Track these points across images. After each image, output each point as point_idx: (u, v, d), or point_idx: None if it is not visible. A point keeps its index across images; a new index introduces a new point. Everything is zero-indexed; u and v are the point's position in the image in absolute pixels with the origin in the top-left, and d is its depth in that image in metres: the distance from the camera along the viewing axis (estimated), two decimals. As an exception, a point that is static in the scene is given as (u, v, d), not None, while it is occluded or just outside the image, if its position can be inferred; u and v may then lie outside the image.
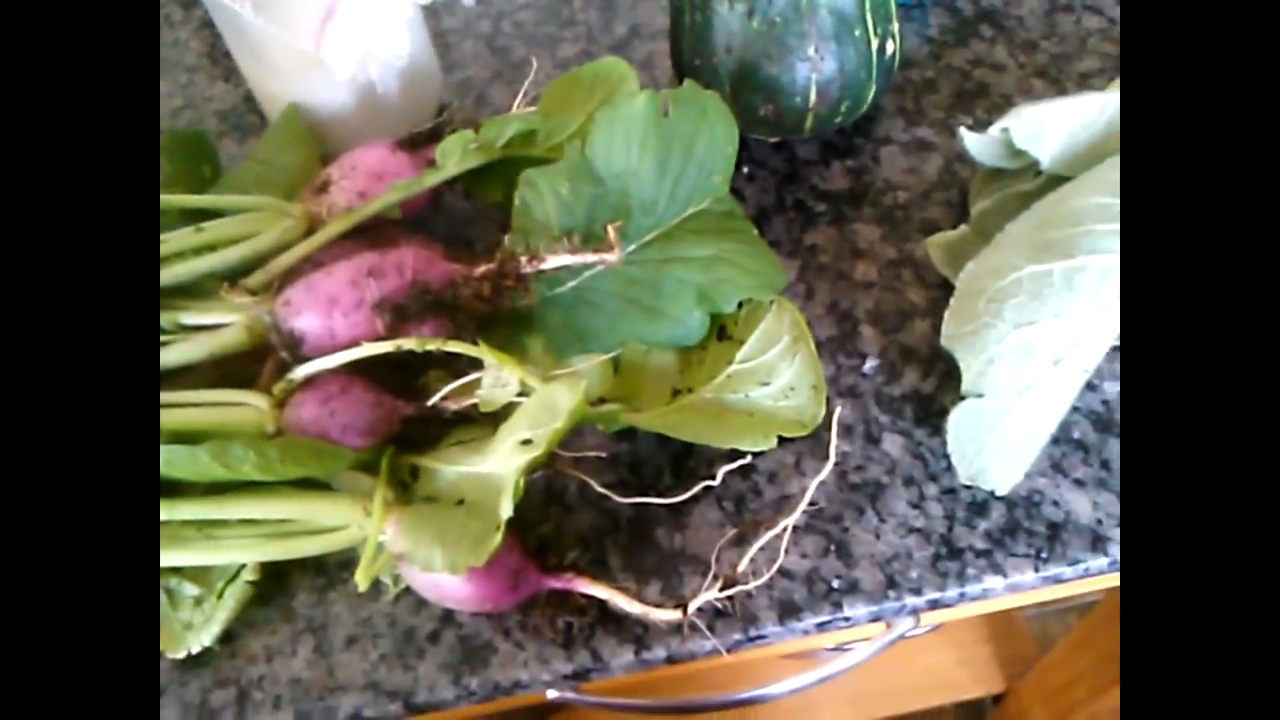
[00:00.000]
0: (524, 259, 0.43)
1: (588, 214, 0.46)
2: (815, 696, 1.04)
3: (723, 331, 0.48)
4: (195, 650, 0.42)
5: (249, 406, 0.42)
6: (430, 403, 0.43)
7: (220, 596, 0.42)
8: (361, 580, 0.38)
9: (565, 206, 0.46)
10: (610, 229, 0.44)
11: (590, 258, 0.44)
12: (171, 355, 0.43)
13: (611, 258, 0.44)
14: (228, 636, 0.43)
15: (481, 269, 0.43)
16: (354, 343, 0.42)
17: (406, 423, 0.44)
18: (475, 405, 0.43)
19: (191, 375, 0.44)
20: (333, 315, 0.42)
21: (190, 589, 0.42)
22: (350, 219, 0.46)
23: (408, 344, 0.41)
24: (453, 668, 0.41)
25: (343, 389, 0.42)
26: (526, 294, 0.45)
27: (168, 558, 0.41)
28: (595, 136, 0.46)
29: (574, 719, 1.03)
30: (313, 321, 0.42)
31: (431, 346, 0.41)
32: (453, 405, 0.43)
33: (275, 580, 0.44)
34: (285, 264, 0.45)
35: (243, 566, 0.43)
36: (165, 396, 0.42)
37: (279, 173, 0.50)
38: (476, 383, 0.43)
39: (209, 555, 0.41)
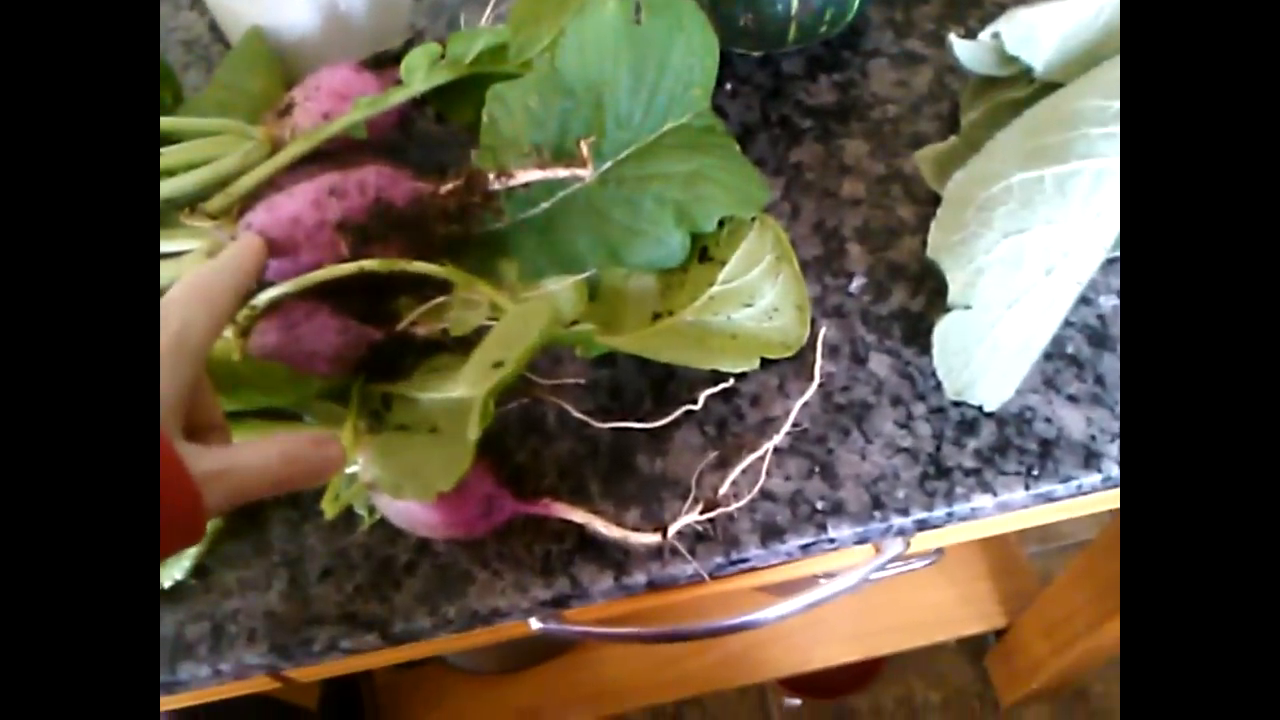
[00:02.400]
0: (492, 175, 0.42)
1: (559, 129, 0.44)
2: (814, 634, 1.04)
3: (704, 253, 0.46)
4: (167, 585, 0.41)
5: (212, 335, 0.41)
6: (399, 327, 0.41)
7: (190, 530, 0.41)
8: (328, 509, 0.37)
9: (535, 121, 0.44)
10: (583, 144, 0.42)
11: (562, 173, 0.42)
12: (131, 285, 0.42)
13: (584, 173, 0.42)
14: (201, 571, 0.42)
15: (448, 186, 0.42)
16: (317, 266, 0.40)
17: (377, 350, 0.43)
18: (446, 330, 0.42)
19: (153, 305, 0.43)
20: (295, 237, 0.41)
21: (159, 523, 0.41)
22: (313, 138, 0.44)
23: (370, 265, 0.40)
24: (429, 597, 0.41)
25: (308, 315, 0.41)
26: (497, 214, 0.43)
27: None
28: (565, 47, 0.44)
29: (573, 662, 1.04)
30: (275, 244, 0.41)
31: (395, 268, 0.40)
32: (423, 330, 0.42)
33: (248, 514, 0.43)
34: (246, 186, 0.43)
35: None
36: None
37: (241, 97, 0.49)
38: (447, 306, 0.42)
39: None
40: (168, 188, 0.43)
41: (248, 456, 0.33)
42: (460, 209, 0.42)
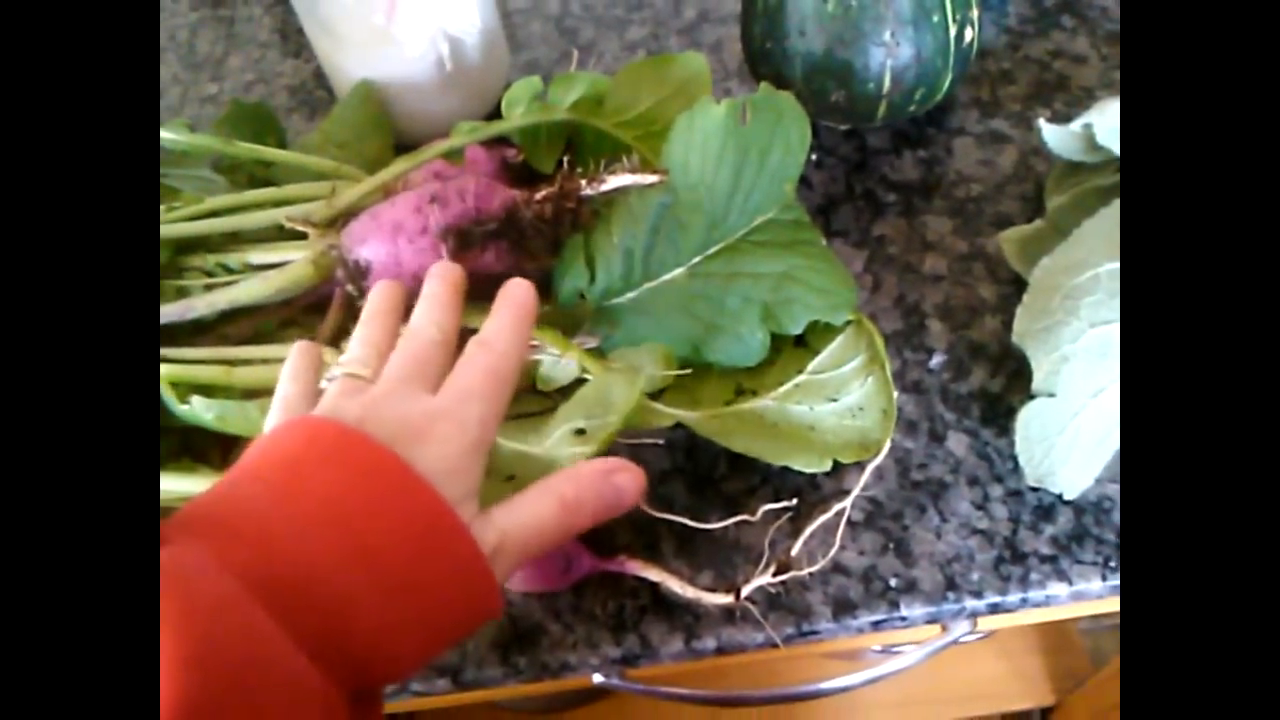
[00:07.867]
0: (584, 181, 0.42)
1: (651, 226, 0.44)
2: (860, 700, 1.02)
3: (800, 338, 0.46)
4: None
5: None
6: None
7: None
8: None
9: (630, 215, 0.44)
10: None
11: (649, 178, 0.42)
12: (239, 293, 0.43)
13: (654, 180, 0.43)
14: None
15: (542, 193, 0.43)
16: (421, 271, 0.41)
17: None
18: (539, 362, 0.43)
19: (259, 315, 0.45)
20: (397, 243, 0.42)
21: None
22: (416, 158, 0.46)
23: (471, 325, 0.41)
24: (502, 646, 0.41)
25: None
26: (588, 216, 0.44)
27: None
28: (672, 148, 0.43)
29: (620, 706, 1.03)
30: (378, 250, 0.42)
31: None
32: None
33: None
34: (349, 199, 0.45)
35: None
36: (235, 352, 0.43)
37: (352, 157, 0.50)
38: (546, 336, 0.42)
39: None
40: (282, 213, 0.45)
41: (522, 516, 0.31)
42: (555, 214, 0.43)
